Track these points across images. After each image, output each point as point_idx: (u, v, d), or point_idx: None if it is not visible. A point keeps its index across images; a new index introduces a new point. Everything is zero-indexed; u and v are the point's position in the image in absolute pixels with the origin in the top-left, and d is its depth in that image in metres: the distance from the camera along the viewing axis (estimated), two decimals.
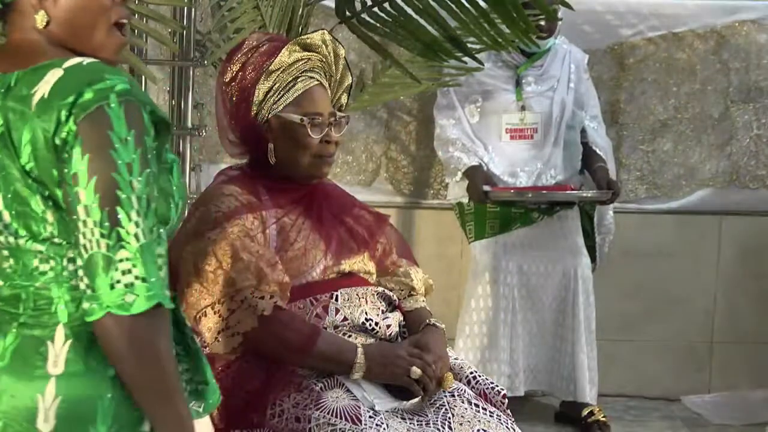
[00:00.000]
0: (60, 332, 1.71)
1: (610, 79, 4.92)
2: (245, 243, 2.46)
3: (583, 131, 4.62)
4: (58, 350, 1.71)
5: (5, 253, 1.74)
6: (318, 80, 2.59)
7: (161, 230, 1.67)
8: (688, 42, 4.92)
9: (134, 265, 1.62)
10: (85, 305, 1.65)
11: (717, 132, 4.95)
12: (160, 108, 1.74)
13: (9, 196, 1.71)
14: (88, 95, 1.64)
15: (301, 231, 2.57)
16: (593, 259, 4.58)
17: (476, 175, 4.44)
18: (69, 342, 1.70)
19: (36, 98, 1.67)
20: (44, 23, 1.76)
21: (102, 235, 1.62)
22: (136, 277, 1.62)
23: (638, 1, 4.93)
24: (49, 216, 1.70)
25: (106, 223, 1.62)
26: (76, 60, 1.71)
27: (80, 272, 1.66)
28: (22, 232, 1.72)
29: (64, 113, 1.64)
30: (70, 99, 1.65)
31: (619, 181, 4.81)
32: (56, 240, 1.71)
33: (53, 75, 1.69)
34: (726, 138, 4.96)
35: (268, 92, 2.55)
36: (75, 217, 1.64)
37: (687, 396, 4.92)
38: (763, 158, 4.96)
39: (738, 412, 4.76)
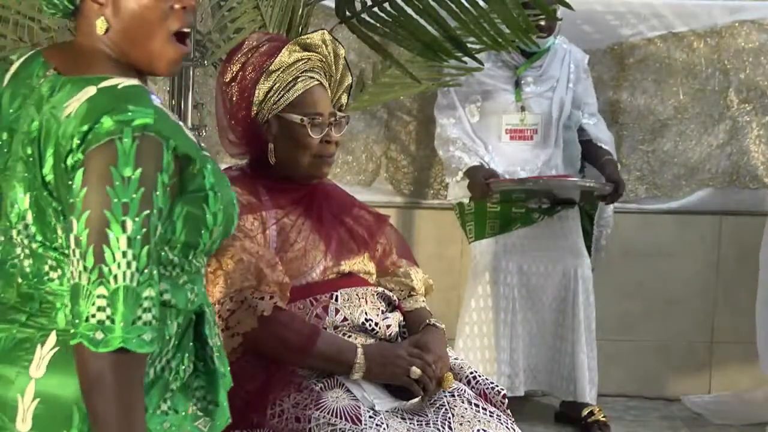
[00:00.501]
0: (52, 338, 1.73)
1: (610, 79, 4.92)
2: (245, 244, 2.47)
3: (583, 130, 4.61)
4: (44, 354, 1.73)
5: (27, 252, 1.76)
6: (318, 80, 2.59)
7: (154, 272, 1.66)
8: (688, 42, 4.92)
9: (109, 305, 1.63)
10: (70, 328, 1.67)
11: (717, 132, 4.95)
12: (189, 141, 1.72)
13: (32, 199, 1.73)
14: (104, 126, 1.64)
15: (301, 231, 2.57)
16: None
17: (477, 175, 4.43)
18: (56, 349, 1.72)
19: (65, 113, 1.68)
20: (104, 30, 1.76)
21: (85, 269, 1.63)
22: (108, 317, 1.63)
23: (638, 1, 4.93)
24: (59, 229, 1.71)
25: (91, 258, 1.63)
26: (112, 81, 1.70)
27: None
28: (39, 237, 1.74)
29: (76, 140, 1.65)
30: (86, 127, 1.65)
31: None
32: (65, 251, 1.72)
33: (86, 93, 1.69)
34: (726, 138, 4.95)
35: (268, 92, 2.55)
36: (68, 243, 1.66)
37: (687, 396, 4.92)
38: (763, 158, 4.96)
39: (738, 412, 4.76)
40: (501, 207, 4.48)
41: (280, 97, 2.55)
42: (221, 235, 1.80)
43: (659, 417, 4.76)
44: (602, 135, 4.62)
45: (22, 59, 1.84)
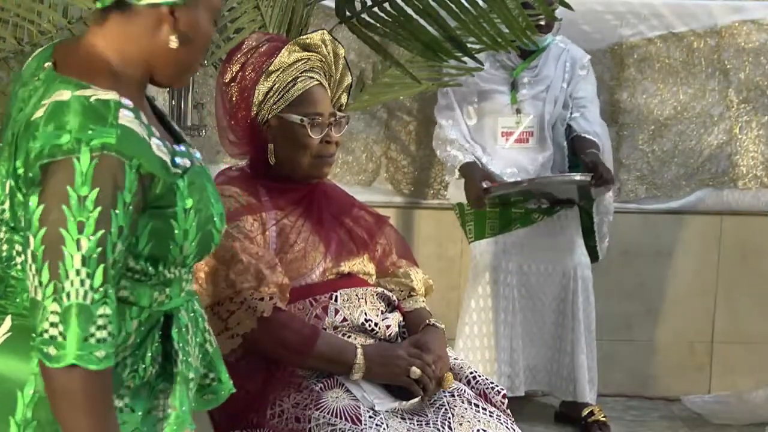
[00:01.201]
0: (7, 322, 1.75)
1: (610, 79, 4.92)
2: (245, 245, 2.47)
3: (570, 126, 4.57)
4: None
5: (4, 236, 1.78)
6: (318, 80, 2.58)
7: (110, 290, 1.67)
8: (688, 42, 4.92)
9: (61, 322, 1.64)
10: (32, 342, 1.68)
11: (717, 132, 4.95)
12: (156, 160, 1.71)
13: (10, 185, 1.74)
14: (62, 140, 1.64)
15: (301, 233, 2.57)
16: (594, 257, 4.58)
17: (473, 172, 4.41)
18: (9, 334, 1.74)
19: (38, 113, 1.68)
20: (176, 45, 1.77)
21: (40, 284, 1.65)
22: (60, 333, 1.64)
23: (638, 1, 4.93)
24: (22, 220, 1.72)
25: (46, 274, 1.64)
26: (88, 92, 1.69)
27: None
28: (12, 222, 1.75)
29: (35, 151, 1.65)
30: (46, 137, 1.65)
31: (619, 181, 4.80)
32: (22, 241, 1.73)
33: (59, 95, 1.69)
34: (726, 138, 4.95)
35: (267, 92, 2.54)
36: (25, 258, 1.68)
37: (687, 396, 4.93)
38: (763, 158, 4.96)
39: (738, 412, 4.76)
40: (500, 207, 4.47)
41: (280, 98, 2.55)
42: (196, 251, 1.80)
43: (659, 417, 4.76)
44: (589, 125, 4.52)
45: (42, 48, 1.85)
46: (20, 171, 1.69)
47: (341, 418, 2.37)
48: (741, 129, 4.95)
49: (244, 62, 2.57)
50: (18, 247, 1.75)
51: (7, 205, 1.75)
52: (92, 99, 1.68)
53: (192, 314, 1.87)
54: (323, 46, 2.60)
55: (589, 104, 4.60)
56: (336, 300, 2.55)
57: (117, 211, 1.65)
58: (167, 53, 1.78)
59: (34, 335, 1.66)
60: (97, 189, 1.64)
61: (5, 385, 1.72)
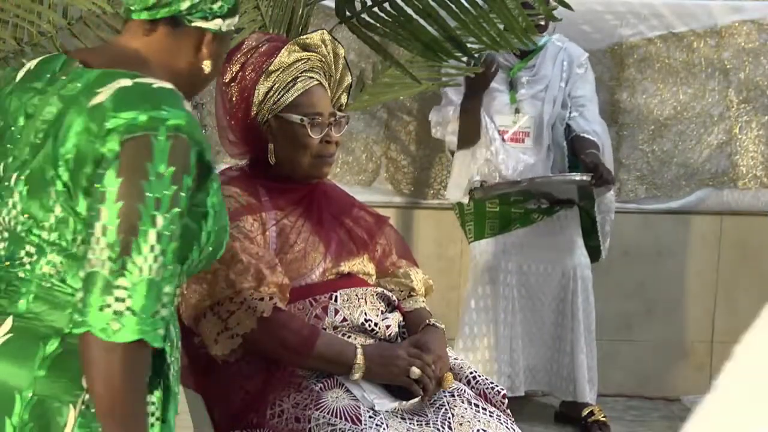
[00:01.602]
0: (8, 323, 1.74)
1: (610, 79, 4.92)
2: (245, 245, 2.47)
3: (569, 126, 4.56)
4: None
5: (5, 234, 1.77)
6: (318, 80, 2.58)
7: (176, 270, 1.68)
8: (688, 42, 4.92)
9: (130, 296, 1.63)
10: (75, 316, 1.66)
11: (717, 132, 4.95)
12: (210, 152, 1.74)
13: (29, 179, 1.73)
14: (140, 119, 1.66)
15: (301, 233, 2.57)
16: (596, 256, 4.57)
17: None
18: (9, 335, 1.73)
19: (96, 99, 1.69)
20: (209, 69, 1.85)
21: (110, 258, 1.64)
22: (128, 308, 1.63)
23: (638, 1, 4.93)
24: (57, 208, 1.71)
25: (117, 248, 1.64)
26: (148, 80, 1.72)
27: (78, 284, 1.69)
28: (21, 218, 1.74)
29: (110, 127, 1.66)
30: (122, 116, 1.66)
31: (619, 181, 4.80)
32: (45, 236, 1.72)
33: (119, 83, 1.70)
34: (726, 138, 4.95)
35: (267, 92, 2.54)
36: (91, 231, 1.66)
37: (687, 396, 4.93)
38: (763, 158, 4.96)
39: None
40: (500, 207, 4.47)
41: (280, 98, 2.55)
42: (208, 257, 1.81)
43: (659, 417, 4.76)
44: (588, 124, 4.51)
45: (39, 59, 1.86)
46: (69, 156, 1.68)
47: (341, 418, 2.37)
48: (741, 129, 4.95)
49: (244, 62, 2.57)
50: (29, 248, 1.74)
51: (17, 197, 1.74)
52: (155, 86, 1.71)
53: (176, 330, 1.88)
54: (323, 46, 2.60)
55: (588, 103, 4.59)
56: (336, 300, 2.55)
57: (182, 194, 1.68)
58: (199, 74, 1.84)
59: (87, 310, 1.63)
60: (173, 167, 1.66)
61: (4, 387, 1.71)
